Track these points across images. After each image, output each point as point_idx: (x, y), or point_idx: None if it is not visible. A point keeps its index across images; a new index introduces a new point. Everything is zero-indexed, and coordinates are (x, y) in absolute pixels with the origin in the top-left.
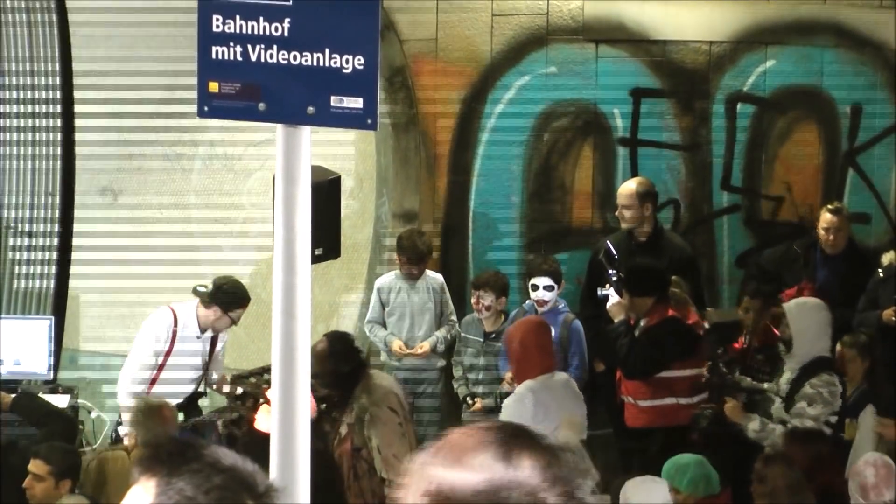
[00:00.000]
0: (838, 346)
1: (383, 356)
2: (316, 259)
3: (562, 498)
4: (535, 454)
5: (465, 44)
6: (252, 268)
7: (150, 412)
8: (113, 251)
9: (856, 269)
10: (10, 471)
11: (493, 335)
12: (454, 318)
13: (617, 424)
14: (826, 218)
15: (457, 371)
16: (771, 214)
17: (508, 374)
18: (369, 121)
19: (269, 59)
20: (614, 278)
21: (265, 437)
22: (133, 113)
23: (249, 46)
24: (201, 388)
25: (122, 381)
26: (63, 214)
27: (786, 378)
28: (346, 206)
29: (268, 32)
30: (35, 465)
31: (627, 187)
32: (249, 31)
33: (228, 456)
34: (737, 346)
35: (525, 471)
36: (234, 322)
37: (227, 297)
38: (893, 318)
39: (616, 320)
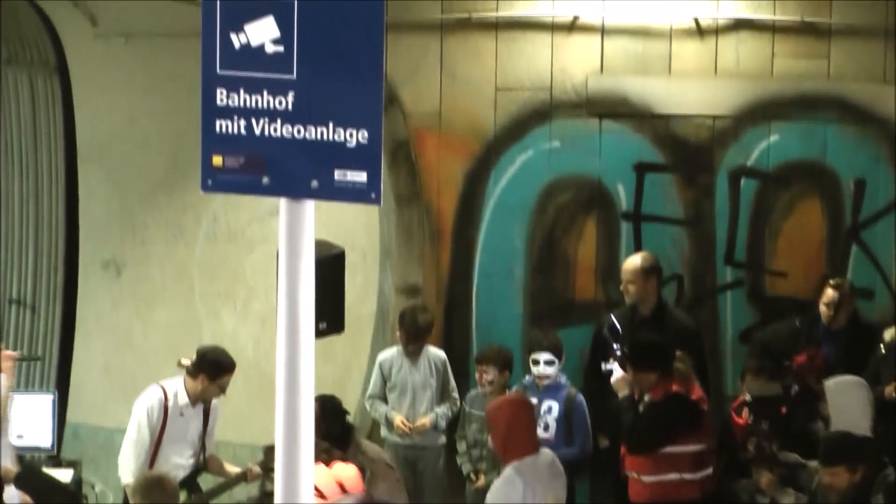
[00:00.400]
0: None
1: (384, 431)
2: (319, 334)
3: None
4: None
5: (469, 118)
6: (255, 341)
7: (149, 486)
8: (115, 325)
9: (859, 343)
10: None
11: None
12: (456, 394)
13: (621, 500)
14: (828, 293)
15: (460, 446)
16: (774, 289)
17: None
18: (373, 195)
19: (273, 133)
20: (619, 353)
21: None
22: (136, 186)
23: (254, 120)
24: (201, 464)
25: (123, 463)
26: (66, 288)
27: None
28: (350, 279)
29: (272, 106)
30: None
31: (632, 262)
32: (253, 105)
33: None
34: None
35: None
36: (222, 390)
37: (212, 366)
38: (895, 395)
39: (620, 395)
